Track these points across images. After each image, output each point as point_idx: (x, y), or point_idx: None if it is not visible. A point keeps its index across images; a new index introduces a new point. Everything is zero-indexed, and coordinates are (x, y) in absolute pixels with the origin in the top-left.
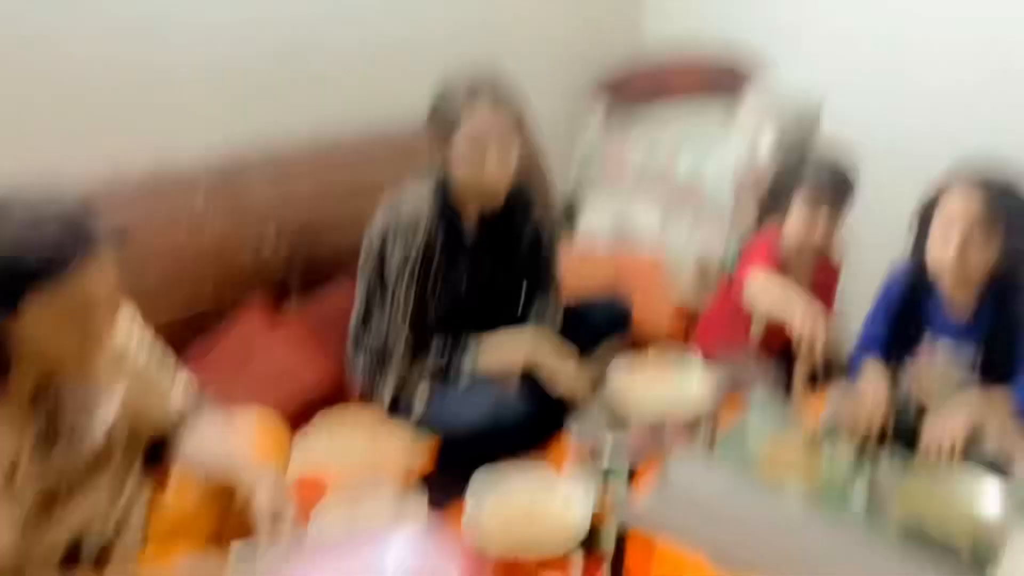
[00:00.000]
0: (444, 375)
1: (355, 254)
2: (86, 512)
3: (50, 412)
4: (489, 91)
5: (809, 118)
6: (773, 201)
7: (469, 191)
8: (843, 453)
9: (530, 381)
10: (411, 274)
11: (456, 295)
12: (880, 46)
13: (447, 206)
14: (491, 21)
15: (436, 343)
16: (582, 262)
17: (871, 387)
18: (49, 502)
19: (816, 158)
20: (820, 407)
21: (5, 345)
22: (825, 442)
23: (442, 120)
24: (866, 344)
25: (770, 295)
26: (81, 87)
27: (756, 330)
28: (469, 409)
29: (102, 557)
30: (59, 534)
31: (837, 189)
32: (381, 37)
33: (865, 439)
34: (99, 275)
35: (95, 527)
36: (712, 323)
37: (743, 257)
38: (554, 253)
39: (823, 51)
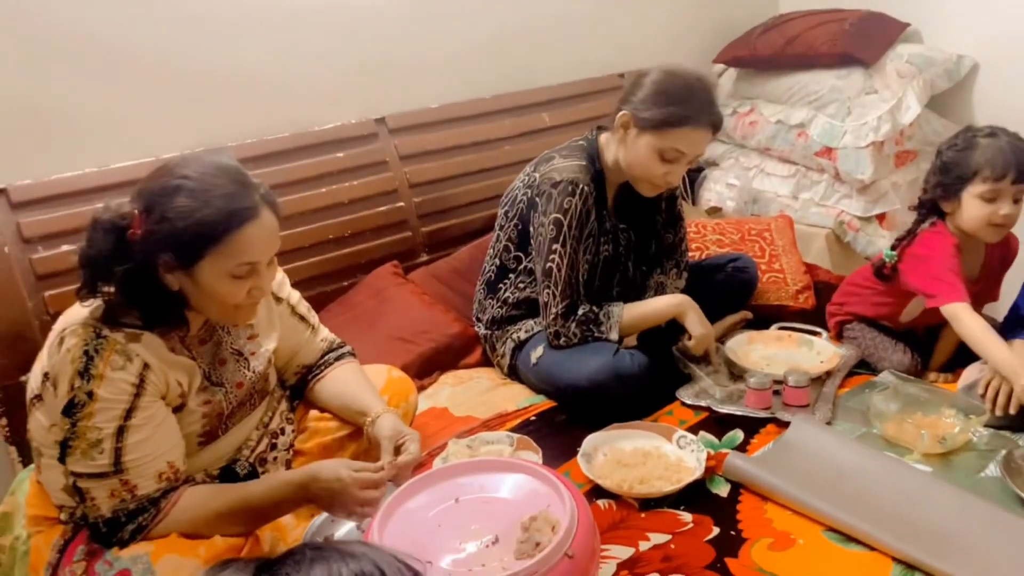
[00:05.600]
0: (591, 332)
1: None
2: (244, 432)
3: (218, 344)
4: (708, 111)
5: (960, 79)
6: (937, 185)
7: (618, 174)
8: (977, 424)
9: (646, 347)
10: (565, 234)
11: (596, 260)
12: None
13: (598, 178)
14: None
15: (583, 302)
16: (708, 225)
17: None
18: (215, 424)
19: (987, 132)
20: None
21: (182, 294)
22: (959, 413)
23: (657, 114)
24: (1015, 320)
25: (976, 343)
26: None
27: (912, 313)
28: (590, 360)
29: (255, 470)
30: (222, 450)
31: (1021, 164)
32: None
33: (1004, 411)
34: (260, 234)
35: (251, 445)
36: (850, 298)
37: (910, 252)
38: (682, 219)
39: (971, 16)
